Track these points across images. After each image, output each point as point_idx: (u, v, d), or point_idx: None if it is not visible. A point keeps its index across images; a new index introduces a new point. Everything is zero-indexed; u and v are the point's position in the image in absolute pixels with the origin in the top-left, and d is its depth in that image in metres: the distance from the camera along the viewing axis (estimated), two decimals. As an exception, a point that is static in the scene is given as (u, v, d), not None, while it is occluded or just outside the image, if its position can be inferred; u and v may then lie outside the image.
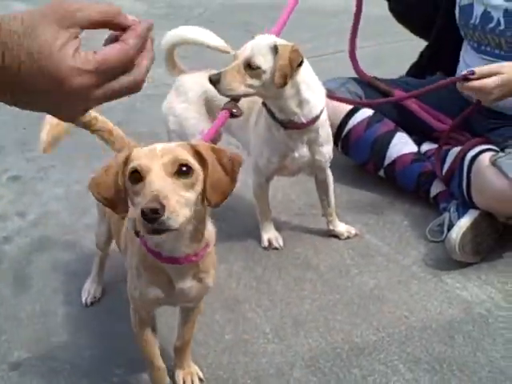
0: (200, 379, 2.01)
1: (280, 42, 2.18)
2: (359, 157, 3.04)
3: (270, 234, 2.69)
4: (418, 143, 3.03)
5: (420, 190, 2.88)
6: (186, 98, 2.68)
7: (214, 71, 2.25)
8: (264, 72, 2.14)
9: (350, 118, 3.00)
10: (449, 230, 2.52)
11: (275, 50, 2.13)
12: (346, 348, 2.12)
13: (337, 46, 4.73)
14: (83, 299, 2.41)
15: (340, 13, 5.75)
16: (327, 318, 2.25)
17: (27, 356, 2.17)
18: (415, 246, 2.63)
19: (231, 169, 1.49)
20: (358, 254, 2.60)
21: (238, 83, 2.11)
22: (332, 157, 2.54)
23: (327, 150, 2.48)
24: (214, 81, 2.11)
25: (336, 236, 2.70)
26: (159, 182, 1.33)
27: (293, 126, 2.32)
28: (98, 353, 2.17)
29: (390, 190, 3.01)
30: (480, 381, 1.94)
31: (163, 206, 1.28)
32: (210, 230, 1.67)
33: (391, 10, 3.20)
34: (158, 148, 1.41)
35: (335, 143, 3.09)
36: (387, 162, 2.95)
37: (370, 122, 2.97)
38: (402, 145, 2.95)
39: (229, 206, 3.03)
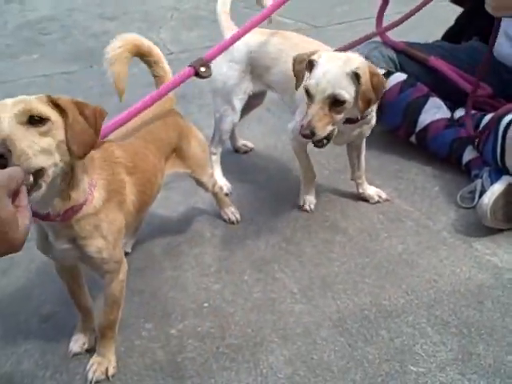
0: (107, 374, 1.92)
1: (354, 63, 2.10)
2: (391, 122, 3.00)
3: (309, 197, 2.69)
4: (452, 109, 2.98)
5: (452, 157, 2.84)
6: (232, 57, 2.68)
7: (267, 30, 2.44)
8: (349, 104, 2.11)
9: None
10: (480, 196, 2.49)
11: (356, 76, 2.07)
12: (373, 310, 2.12)
13: (370, 11, 4.65)
14: None
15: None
16: (355, 281, 2.25)
17: (59, 309, 2.22)
18: (446, 211, 2.61)
19: (94, 121, 1.50)
20: (388, 218, 2.58)
21: (329, 125, 2.10)
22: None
23: (372, 124, 2.51)
24: (311, 135, 2.07)
25: (365, 200, 2.69)
26: (8, 128, 1.32)
27: None
28: (128, 308, 2.19)
29: (421, 155, 2.97)
30: (509, 345, 1.93)
31: (9, 151, 1.27)
32: (84, 190, 1.62)
33: None
34: (10, 101, 1.40)
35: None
36: (419, 127, 2.91)
37: (403, 86, 2.93)
38: (435, 110, 2.90)
39: (259, 168, 3.03)
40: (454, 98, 2.99)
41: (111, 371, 1.90)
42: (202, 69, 2.23)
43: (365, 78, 2.05)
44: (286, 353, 1.97)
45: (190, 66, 2.24)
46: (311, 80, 2.08)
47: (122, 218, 1.82)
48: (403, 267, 2.31)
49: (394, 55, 3.03)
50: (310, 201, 2.68)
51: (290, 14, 5.28)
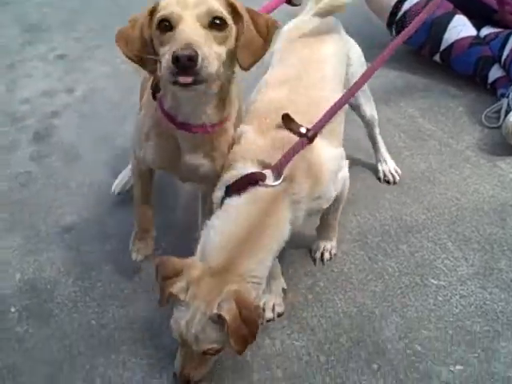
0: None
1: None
2: (415, 40, 2.90)
3: None
4: (478, 27, 2.88)
5: (477, 76, 2.76)
6: None
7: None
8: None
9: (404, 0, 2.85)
10: (506, 115, 2.43)
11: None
12: (394, 225, 2.10)
13: None
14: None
15: None
16: (376, 197, 2.23)
17: (79, 221, 2.23)
18: (470, 131, 2.55)
19: (266, 30, 1.40)
20: (410, 136, 2.54)
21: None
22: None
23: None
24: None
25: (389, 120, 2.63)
26: (192, 30, 1.26)
27: None
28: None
29: (445, 75, 2.89)
30: (531, 261, 1.92)
31: (197, 54, 1.22)
32: (234, 104, 1.59)
33: None
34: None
35: (389, 26, 2.97)
36: (444, 45, 2.82)
37: (427, 2, 2.81)
38: (461, 28, 2.80)
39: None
40: (480, 16, 2.88)
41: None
42: None
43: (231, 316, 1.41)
44: (305, 264, 1.98)
45: None
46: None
47: None
48: (425, 184, 2.28)
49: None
50: None
51: None
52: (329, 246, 2.00)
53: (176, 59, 1.22)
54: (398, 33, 2.93)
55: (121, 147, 2.60)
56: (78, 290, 1.93)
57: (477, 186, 2.25)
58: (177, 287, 1.45)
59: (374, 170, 2.35)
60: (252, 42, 1.37)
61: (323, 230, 1.98)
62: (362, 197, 2.24)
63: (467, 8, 2.87)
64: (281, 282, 1.88)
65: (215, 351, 1.49)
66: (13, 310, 1.87)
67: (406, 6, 2.86)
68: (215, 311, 1.41)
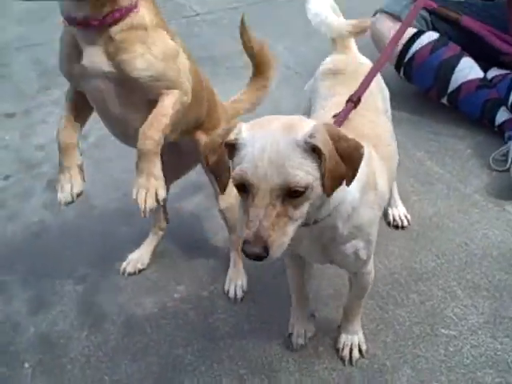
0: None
1: (301, 128, 1.25)
2: (422, 82, 2.95)
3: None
4: (484, 69, 2.91)
5: (485, 118, 2.79)
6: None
7: None
8: (312, 190, 1.24)
9: (413, 42, 2.89)
10: (514, 159, 2.45)
11: (313, 149, 1.23)
12: (404, 273, 2.11)
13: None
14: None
15: None
16: (386, 244, 2.24)
17: (91, 271, 2.26)
18: (478, 174, 2.57)
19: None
20: (418, 181, 2.55)
21: (289, 229, 1.25)
22: (370, 255, 1.61)
23: (355, 247, 1.53)
24: (265, 253, 1.21)
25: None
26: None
27: None
28: (160, 270, 2.23)
29: (452, 117, 2.92)
30: (541, 309, 1.92)
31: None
32: None
33: None
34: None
35: (397, 68, 3.01)
36: (451, 88, 2.85)
37: (435, 45, 2.86)
38: (468, 70, 2.84)
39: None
40: (486, 58, 2.92)
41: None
42: None
43: (326, 147, 1.22)
44: (317, 314, 1.99)
45: None
46: (243, 165, 1.23)
47: (173, 44, 1.65)
48: (434, 230, 2.29)
49: (425, 13, 2.96)
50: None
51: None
52: (356, 340, 1.86)
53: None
54: (405, 75, 2.98)
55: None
56: (91, 344, 1.95)
57: (485, 231, 2.26)
58: (234, 133, 1.26)
59: (381, 218, 2.35)
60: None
61: (347, 321, 1.86)
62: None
63: (474, 50, 2.90)
64: (309, 309, 1.94)
65: (302, 190, 1.20)
66: (27, 365, 1.90)
67: (413, 49, 2.89)
68: (305, 137, 1.21)
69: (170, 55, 1.61)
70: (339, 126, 1.54)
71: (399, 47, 2.90)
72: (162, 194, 1.63)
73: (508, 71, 2.84)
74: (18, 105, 3.51)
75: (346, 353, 1.84)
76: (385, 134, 1.75)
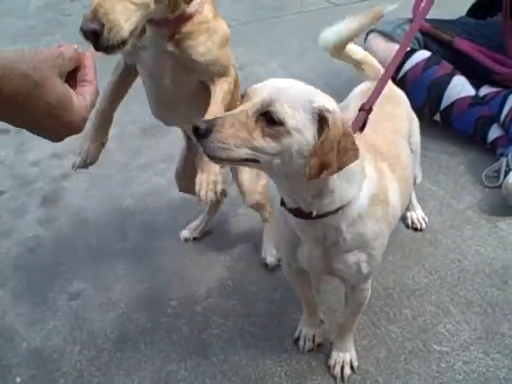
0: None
1: (324, 102, 1.26)
2: (415, 100, 2.93)
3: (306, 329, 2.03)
4: (476, 87, 2.94)
5: (477, 135, 2.82)
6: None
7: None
8: (288, 133, 1.22)
9: (406, 60, 2.92)
10: (506, 175, 2.47)
11: (319, 117, 1.24)
12: (397, 289, 2.12)
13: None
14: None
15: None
16: (379, 260, 2.25)
17: (85, 287, 2.26)
18: (470, 191, 2.59)
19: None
20: (412, 197, 2.57)
21: (239, 141, 1.21)
22: (371, 271, 1.60)
23: (358, 258, 1.53)
24: (202, 132, 1.20)
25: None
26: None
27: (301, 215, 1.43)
28: (153, 286, 2.23)
29: (445, 134, 2.95)
30: (533, 325, 1.93)
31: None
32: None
33: None
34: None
35: (390, 86, 3.03)
36: (444, 105, 2.88)
37: (427, 64, 2.90)
38: (460, 88, 2.87)
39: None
40: (478, 76, 2.95)
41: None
42: None
43: (333, 130, 1.22)
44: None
45: None
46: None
47: (227, 31, 1.78)
48: (427, 246, 2.30)
49: (418, 33, 3.00)
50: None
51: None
52: (348, 358, 1.86)
53: (83, 33, 1.28)
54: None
55: (128, 210, 2.66)
56: (84, 358, 1.95)
57: (478, 248, 2.27)
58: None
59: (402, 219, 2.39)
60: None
61: (340, 338, 1.86)
62: (364, 260, 2.26)
63: (466, 68, 2.94)
64: (319, 314, 1.97)
65: (277, 122, 1.21)
66: (19, 380, 1.89)
67: (405, 68, 2.93)
68: (319, 105, 1.23)
69: (225, 42, 1.76)
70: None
71: None
72: (219, 188, 1.76)
73: (500, 89, 2.87)
74: (13, 121, 3.52)
75: (337, 370, 1.84)
76: (404, 156, 1.76)
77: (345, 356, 1.86)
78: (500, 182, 2.52)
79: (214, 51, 1.71)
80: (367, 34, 3.16)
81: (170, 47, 1.66)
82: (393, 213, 1.59)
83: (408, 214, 2.41)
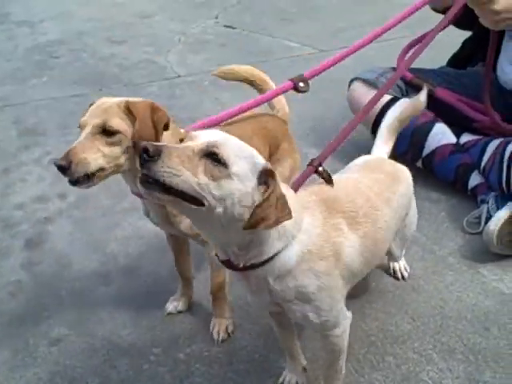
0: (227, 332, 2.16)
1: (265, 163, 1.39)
2: (398, 147, 2.98)
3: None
4: (457, 134, 3.00)
5: (458, 182, 2.86)
6: None
7: None
8: (229, 177, 1.29)
9: (388, 108, 2.98)
10: (486, 222, 2.50)
11: (260, 174, 1.36)
12: (380, 336, 2.13)
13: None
14: None
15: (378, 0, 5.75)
16: (362, 306, 2.26)
17: (67, 333, 2.24)
18: (452, 237, 2.62)
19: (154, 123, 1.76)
20: (394, 243, 2.59)
21: (184, 170, 1.25)
22: (326, 322, 1.62)
23: (302, 309, 1.56)
24: (152, 153, 1.22)
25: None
26: (78, 140, 1.71)
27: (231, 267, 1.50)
28: (136, 331, 2.22)
29: (428, 181, 2.99)
30: (515, 373, 1.94)
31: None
32: None
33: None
34: (97, 110, 1.75)
35: (373, 133, 3.09)
36: (426, 152, 2.93)
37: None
38: (441, 135, 2.93)
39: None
40: (459, 124, 3.02)
41: (230, 328, 2.16)
42: (301, 84, 2.23)
43: (275, 188, 1.34)
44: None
45: (290, 79, 2.25)
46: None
47: None
48: (409, 292, 2.32)
49: (401, 82, 3.07)
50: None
51: (296, 38, 5.37)
52: None
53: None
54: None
55: (111, 254, 2.65)
56: (64, 407, 1.93)
57: (459, 294, 2.29)
58: None
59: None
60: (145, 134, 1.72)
61: None
62: (347, 305, 2.25)
63: (447, 116, 3.00)
64: (301, 361, 1.98)
65: (216, 162, 1.29)
66: (-3, 431, 1.86)
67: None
68: (260, 162, 1.37)
69: None
70: (296, 188, 1.66)
71: (375, 113, 2.99)
72: (231, 329, 2.17)
73: (480, 137, 2.93)
74: (-1, 163, 3.53)
75: None
76: (382, 220, 1.77)
77: None
78: (481, 228, 2.55)
79: None
80: (350, 82, 3.23)
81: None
82: (348, 269, 1.61)
83: (390, 265, 2.42)
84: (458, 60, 3.33)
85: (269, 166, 1.36)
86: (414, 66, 2.54)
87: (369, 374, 1.98)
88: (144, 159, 1.22)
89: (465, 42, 3.32)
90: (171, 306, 2.30)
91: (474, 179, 2.80)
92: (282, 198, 1.34)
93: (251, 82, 2.41)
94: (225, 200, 1.28)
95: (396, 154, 2.96)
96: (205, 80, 4.56)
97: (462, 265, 2.44)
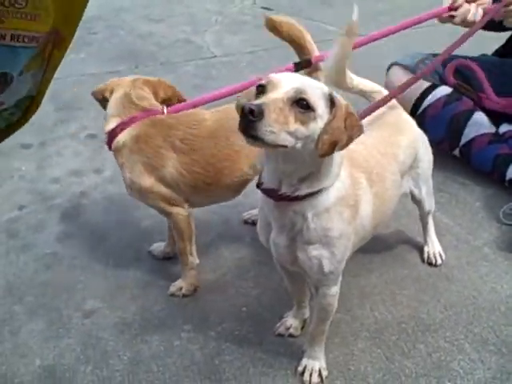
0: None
1: (326, 87, 1.47)
2: (434, 135, 2.96)
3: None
4: (496, 124, 2.95)
5: (495, 172, 2.82)
6: None
7: None
8: (315, 120, 1.39)
9: (427, 95, 2.94)
10: (523, 213, 2.47)
11: (331, 100, 1.43)
12: (411, 323, 2.11)
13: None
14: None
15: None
16: (394, 293, 2.25)
17: (100, 306, 2.27)
18: (487, 227, 2.59)
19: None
20: (428, 231, 2.57)
21: (279, 125, 1.32)
22: (333, 271, 1.68)
23: (320, 253, 1.63)
24: (256, 113, 1.29)
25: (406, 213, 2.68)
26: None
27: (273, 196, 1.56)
28: (167, 308, 2.24)
29: (463, 170, 2.95)
30: (549, 367, 1.91)
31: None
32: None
33: None
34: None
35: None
36: (463, 141, 2.89)
37: (448, 99, 2.91)
38: (480, 125, 2.88)
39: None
40: (499, 114, 2.96)
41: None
42: None
43: (340, 109, 1.41)
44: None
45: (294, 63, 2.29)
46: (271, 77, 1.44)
47: None
48: (442, 281, 2.30)
49: (440, 68, 3.01)
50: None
51: (335, 21, 5.30)
52: (317, 366, 1.92)
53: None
54: (419, 126, 3.01)
55: (146, 230, 2.67)
56: (96, 378, 1.95)
57: (494, 285, 2.26)
58: (262, 81, 1.43)
59: (390, 266, 2.39)
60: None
61: (310, 346, 1.94)
62: (379, 292, 2.26)
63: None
64: (305, 313, 2.10)
65: (309, 106, 1.36)
66: (31, 398, 1.90)
67: (426, 102, 2.94)
68: (327, 90, 1.43)
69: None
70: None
71: (414, 98, 2.95)
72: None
73: (519, 127, 2.88)
74: (35, 136, 3.56)
75: (306, 377, 1.91)
76: (389, 179, 1.88)
77: (314, 364, 1.92)
78: (518, 219, 2.52)
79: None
80: (389, 67, 3.18)
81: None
82: (361, 223, 1.72)
83: (425, 249, 2.42)
84: (502, 54, 3.25)
85: (330, 90, 1.44)
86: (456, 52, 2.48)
87: (399, 361, 1.97)
88: (249, 120, 1.29)
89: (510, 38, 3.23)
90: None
91: (513, 170, 2.75)
92: (349, 116, 1.43)
93: (297, 47, 2.34)
94: (308, 137, 1.39)
95: (432, 143, 2.93)
96: (241, 61, 4.55)
97: (497, 256, 2.41)
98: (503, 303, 2.18)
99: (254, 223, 2.58)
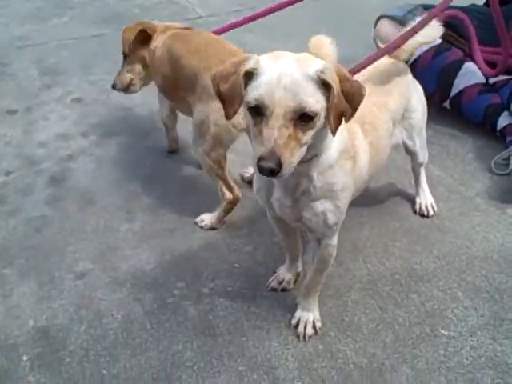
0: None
1: (313, 64, 1.40)
2: (425, 86, 2.91)
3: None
4: (487, 74, 2.92)
5: (486, 123, 2.80)
6: None
7: None
8: (318, 116, 1.38)
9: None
10: (515, 163, 2.46)
11: (322, 82, 1.37)
12: (404, 274, 2.12)
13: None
14: None
15: None
16: (386, 245, 2.25)
17: (92, 267, 2.25)
18: (479, 178, 2.58)
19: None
20: (420, 183, 2.56)
21: (294, 151, 1.36)
22: (336, 223, 1.72)
23: (324, 207, 1.66)
24: (277, 169, 1.33)
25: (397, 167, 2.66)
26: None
27: None
28: (160, 267, 2.23)
29: (455, 121, 2.93)
30: (541, 312, 1.92)
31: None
32: None
33: None
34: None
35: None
36: (454, 92, 2.87)
37: (438, 50, 2.88)
38: (471, 75, 2.85)
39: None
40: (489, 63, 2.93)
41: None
42: None
43: (335, 83, 1.36)
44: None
45: None
46: (261, 90, 1.36)
47: None
48: (435, 232, 2.30)
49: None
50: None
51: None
52: (311, 318, 1.93)
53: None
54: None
55: (135, 192, 2.65)
56: (90, 338, 1.94)
57: (486, 234, 2.26)
58: (252, 63, 1.39)
59: (382, 219, 2.38)
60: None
61: (304, 298, 1.95)
62: (371, 244, 2.26)
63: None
64: (298, 266, 2.12)
65: (312, 116, 1.35)
66: (25, 358, 1.88)
67: (416, 53, 2.90)
68: (316, 71, 1.36)
69: None
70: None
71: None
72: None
73: (510, 76, 2.84)
74: (20, 102, 3.50)
75: (300, 329, 1.93)
76: (382, 128, 1.89)
77: (308, 315, 1.94)
78: (509, 169, 2.51)
79: None
80: (377, 20, 3.14)
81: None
82: (360, 173, 1.75)
83: (417, 200, 2.41)
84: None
85: (319, 68, 1.36)
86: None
87: (392, 310, 1.98)
88: (273, 174, 1.34)
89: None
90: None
91: (504, 120, 2.73)
92: (345, 85, 1.38)
93: None
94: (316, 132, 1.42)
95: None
96: (226, 20, 4.44)
97: (489, 206, 2.41)
98: (496, 252, 2.18)
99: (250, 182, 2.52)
